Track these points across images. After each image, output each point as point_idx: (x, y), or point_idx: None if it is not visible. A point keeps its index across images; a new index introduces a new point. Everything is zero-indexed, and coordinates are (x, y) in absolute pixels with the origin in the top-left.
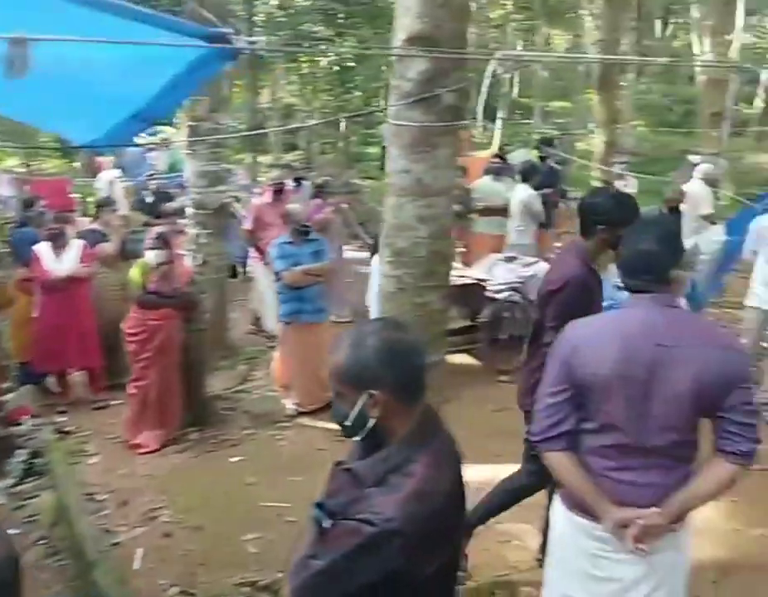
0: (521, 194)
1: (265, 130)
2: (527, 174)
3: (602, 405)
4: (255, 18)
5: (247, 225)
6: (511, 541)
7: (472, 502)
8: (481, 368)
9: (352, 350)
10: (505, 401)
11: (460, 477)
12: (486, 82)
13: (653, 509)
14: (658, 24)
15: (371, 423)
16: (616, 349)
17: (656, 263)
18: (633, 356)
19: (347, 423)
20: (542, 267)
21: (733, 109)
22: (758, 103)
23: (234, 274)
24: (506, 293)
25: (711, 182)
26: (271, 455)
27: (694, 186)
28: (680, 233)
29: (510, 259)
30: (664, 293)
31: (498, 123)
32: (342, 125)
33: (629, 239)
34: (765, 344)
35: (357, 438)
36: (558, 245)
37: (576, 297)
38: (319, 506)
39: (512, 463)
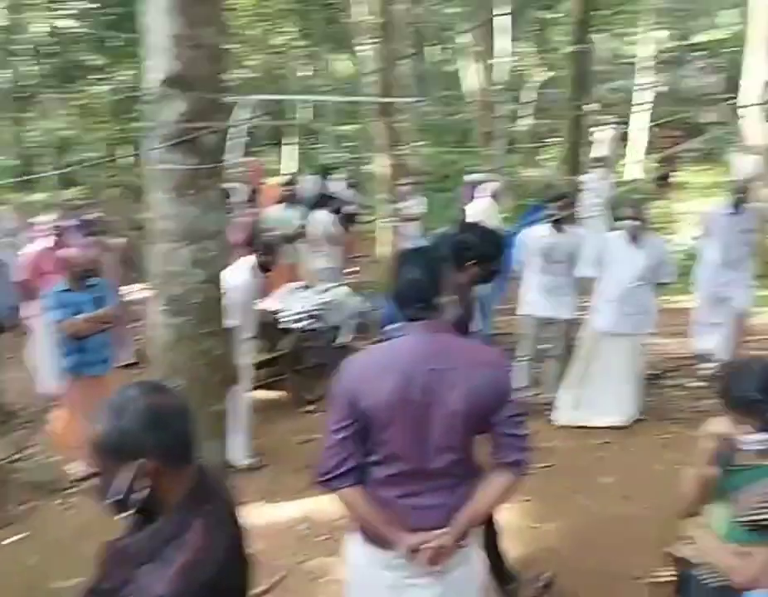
0: (320, 219)
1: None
2: (323, 200)
3: (384, 435)
4: (18, 47)
5: (21, 274)
6: (320, 578)
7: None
8: (287, 400)
9: (112, 419)
10: (312, 432)
11: (239, 538)
12: (242, 127)
13: (442, 530)
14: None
15: (140, 495)
16: (392, 378)
17: (424, 291)
18: (409, 383)
19: (115, 498)
20: (342, 291)
21: (504, 128)
22: (526, 121)
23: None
24: (305, 322)
25: (496, 198)
26: (57, 528)
27: (482, 204)
28: (445, 260)
29: (306, 287)
30: (434, 319)
31: (290, 149)
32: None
33: (399, 269)
34: (544, 346)
35: (128, 512)
36: (353, 269)
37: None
38: (92, 592)
39: (322, 496)
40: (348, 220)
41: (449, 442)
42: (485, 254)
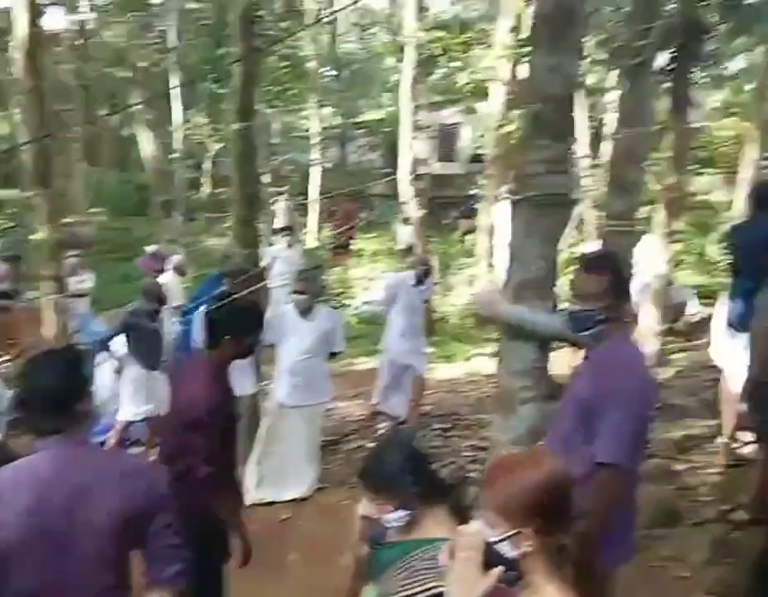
0: None
1: None
2: None
3: (15, 571)
4: None
5: None
6: None
7: None
8: None
9: None
10: None
11: None
12: None
13: None
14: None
15: None
16: (26, 503)
17: (59, 399)
18: (47, 507)
19: None
20: None
21: (184, 196)
22: (205, 189)
23: None
24: None
25: (180, 271)
26: None
27: (167, 278)
28: (82, 361)
29: None
30: (74, 429)
31: None
32: None
33: (28, 376)
34: None
35: None
36: (7, 357)
37: (221, 417)
38: None
39: None
40: (1, 298)
41: (99, 565)
42: (239, 330)
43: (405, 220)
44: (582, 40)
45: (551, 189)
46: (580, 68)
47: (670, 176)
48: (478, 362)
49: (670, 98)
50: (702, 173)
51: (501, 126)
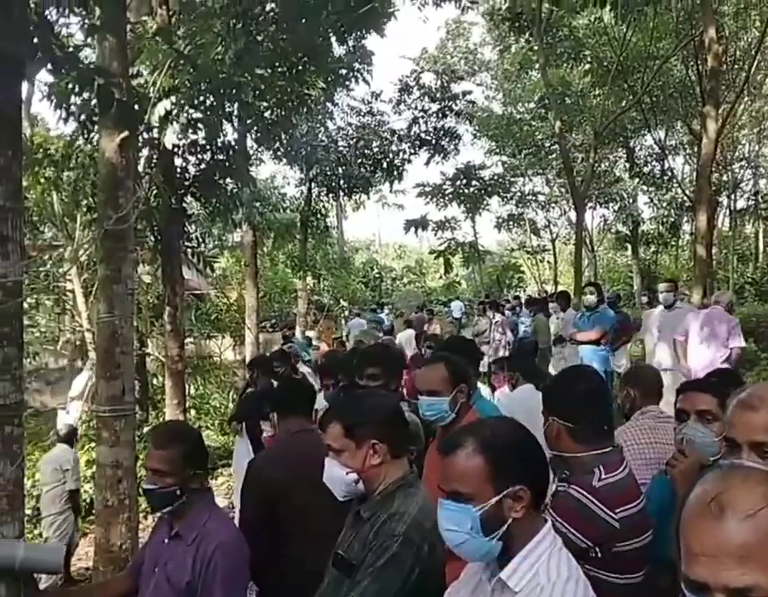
0: None
1: None
2: None
3: None
4: None
5: None
6: None
7: None
8: None
9: None
10: None
11: None
12: None
13: None
14: None
15: None
16: None
17: None
18: None
19: None
20: None
21: None
22: None
23: None
24: None
25: None
26: None
27: None
28: None
29: None
30: None
31: None
32: None
33: None
34: None
35: None
36: None
37: None
38: None
39: None
40: None
41: None
42: None
43: None
44: None
45: None
46: None
47: (172, 346)
48: None
49: (161, 274)
50: (212, 336)
51: None
